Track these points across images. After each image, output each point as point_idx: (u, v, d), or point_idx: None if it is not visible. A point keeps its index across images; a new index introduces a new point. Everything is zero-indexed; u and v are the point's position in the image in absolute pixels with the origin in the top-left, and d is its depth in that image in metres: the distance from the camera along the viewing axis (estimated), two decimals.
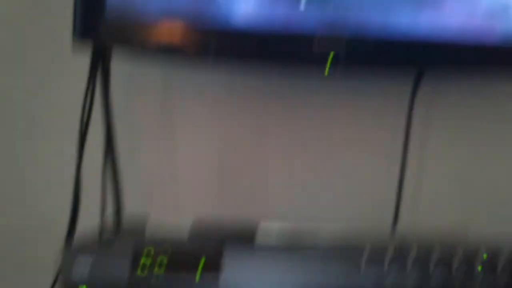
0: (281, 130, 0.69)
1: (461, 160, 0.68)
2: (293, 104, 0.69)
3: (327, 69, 0.48)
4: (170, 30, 0.55)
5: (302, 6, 0.48)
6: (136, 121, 0.70)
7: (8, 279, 0.70)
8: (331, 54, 0.47)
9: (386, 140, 0.68)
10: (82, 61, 0.59)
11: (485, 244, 0.39)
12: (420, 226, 0.64)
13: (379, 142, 0.68)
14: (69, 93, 0.66)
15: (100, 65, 0.60)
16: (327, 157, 0.69)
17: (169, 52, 0.57)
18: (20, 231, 0.70)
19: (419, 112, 0.65)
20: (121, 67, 0.65)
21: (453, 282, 0.37)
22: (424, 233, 0.51)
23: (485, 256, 0.37)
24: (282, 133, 0.69)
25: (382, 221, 0.66)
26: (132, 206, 0.68)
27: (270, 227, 0.43)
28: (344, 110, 0.69)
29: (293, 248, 0.40)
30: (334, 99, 0.69)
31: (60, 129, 0.69)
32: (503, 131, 0.68)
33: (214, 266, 0.38)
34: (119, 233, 0.46)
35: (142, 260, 0.38)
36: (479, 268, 0.37)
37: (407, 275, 0.37)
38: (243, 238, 0.43)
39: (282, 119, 0.69)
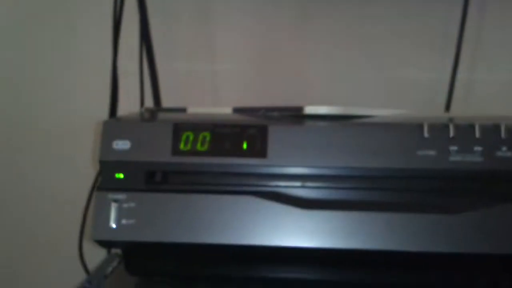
0: (324, 17, 0.64)
1: None
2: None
3: None
4: None
5: None
6: (171, 9, 0.66)
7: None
8: None
9: (439, 30, 0.62)
10: None
11: None
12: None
13: (431, 32, 0.62)
14: None
15: None
16: (376, 47, 0.65)
17: None
18: (57, 129, 0.70)
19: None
20: None
21: None
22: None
23: None
24: (325, 21, 0.64)
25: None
26: (169, 101, 0.67)
27: (317, 110, 0.40)
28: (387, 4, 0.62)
29: (344, 124, 0.37)
30: None
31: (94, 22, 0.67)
32: None
33: (260, 138, 0.36)
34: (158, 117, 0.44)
35: (184, 136, 0.37)
36: None
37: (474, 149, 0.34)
38: (288, 116, 0.41)
39: (325, 5, 0.64)
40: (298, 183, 0.36)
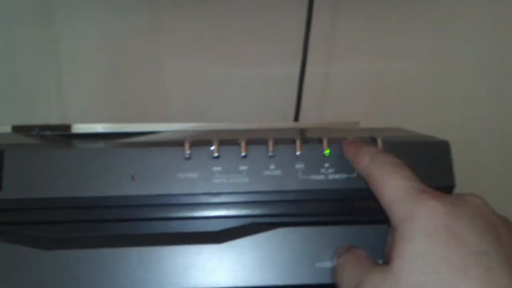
0: (178, 25, 0.60)
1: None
2: None
3: None
4: None
5: None
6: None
7: None
8: None
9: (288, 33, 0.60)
10: None
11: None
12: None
13: (281, 34, 0.60)
14: None
15: None
16: (230, 50, 0.62)
17: None
18: None
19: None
20: None
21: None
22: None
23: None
24: (178, 29, 0.60)
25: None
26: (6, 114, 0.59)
27: (87, 128, 0.35)
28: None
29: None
30: None
31: None
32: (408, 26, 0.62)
33: None
34: None
35: None
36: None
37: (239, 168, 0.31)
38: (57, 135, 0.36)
39: (179, 12, 0.60)
40: (38, 219, 0.31)
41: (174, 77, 0.62)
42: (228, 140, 0.31)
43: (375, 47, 0.63)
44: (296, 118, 0.60)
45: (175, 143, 0.31)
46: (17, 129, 0.40)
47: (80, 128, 0.35)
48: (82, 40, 0.60)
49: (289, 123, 0.57)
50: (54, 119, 0.61)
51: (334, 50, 0.62)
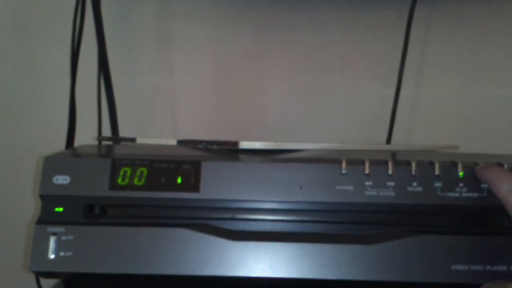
0: (278, 50, 0.68)
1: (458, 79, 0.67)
2: (290, 24, 0.67)
3: None
4: None
5: None
6: (130, 39, 0.68)
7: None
8: None
9: (383, 59, 0.66)
10: None
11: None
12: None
13: (376, 61, 0.67)
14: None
15: None
16: (324, 77, 0.68)
17: None
18: (18, 150, 0.72)
19: (416, 31, 0.63)
20: None
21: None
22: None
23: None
24: (279, 53, 0.68)
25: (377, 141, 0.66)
26: (128, 128, 0.69)
27: (251, 145, 0.43)
28: (341, 30, 0.66)
29: (272, 159, 0.40)
30: (331, 19, 0.66)
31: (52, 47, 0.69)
32: (502, 53, 0.66)
33: (194, 173, 0.38)
34: (102, 152, 0.46)
35: (122, 171, 0.39)
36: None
37: (387, 185, 0.37)
38: (225, 149, 0.44)
39: (279, 39, 0.68)
40: (228, 216, 0.39)
41: (273, 97, 0.69)
42: (377, 160, 0.38)
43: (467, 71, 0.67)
44: (388, 140, 0.65)
45: (334, 160, 0.38)
46: (182, 142, 0.49)
47: (243, 144, 0.44)
48: (194, 61, 0.68)
49: (400, 145, 0.62)
50: (168, 134, 0.71)
51: (425, 73, 0.67)
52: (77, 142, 0.60)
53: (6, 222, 0.72)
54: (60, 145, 0.58)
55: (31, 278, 0.54)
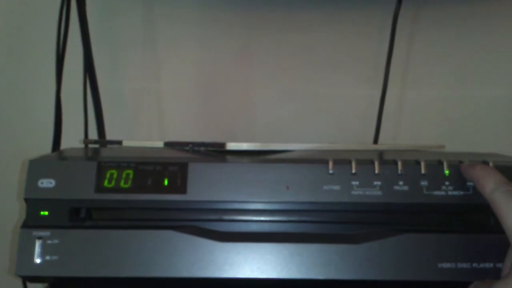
0: (265, 51, 0.68)
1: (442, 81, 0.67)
2: (277, 26, 0.67)
3: None
4: None
5: None
6: (116, 42, 0.68)
7: None
8: None
9: (369, 60, 0.67)
10: None
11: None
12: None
13: (362, 62, 0.67)
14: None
15: None
16: (311, 78, 0.69)
17: None
18: (2, 154, 0.71)
19: (402, 32, 0.63)
20: None
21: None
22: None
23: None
24: (265, 55, 0.68)
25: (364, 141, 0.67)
26: (115, 131, 0.68)
27: (238, 146, 0.43)
28: (327, 31, 0.67)
29: (258, 160, 0.40)
30: (318, 21, 0.67)
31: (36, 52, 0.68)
32: (486, 53, 0.66)
33: (180, 175, 0.38)
34: (88, 155, 0.45)
35: (108, 174, 0.38)
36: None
37: (374, 185, 0.38)
38: (212, 151, 0.44)
39: (266, 40, 0.68)
40: (216, 217, 0.39)
41: (260, 99, 0.69)
42: (364, 160, 0.38)
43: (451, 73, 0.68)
44: (375, 141, 0.66)
45: (321, 161, 0.38)
46: (169, 144, 0.48)
47: (230, 146, 0.43)
48: (181, 64, 0.68)
49: (387, 145, 0.62)
50: (155, 136, 0.70)
51: (410, 75, 0.68)
52: (63, 146, 0.59)
53: None
54: (46, 148, 0.58)
55: (18, 282, 0.53)
